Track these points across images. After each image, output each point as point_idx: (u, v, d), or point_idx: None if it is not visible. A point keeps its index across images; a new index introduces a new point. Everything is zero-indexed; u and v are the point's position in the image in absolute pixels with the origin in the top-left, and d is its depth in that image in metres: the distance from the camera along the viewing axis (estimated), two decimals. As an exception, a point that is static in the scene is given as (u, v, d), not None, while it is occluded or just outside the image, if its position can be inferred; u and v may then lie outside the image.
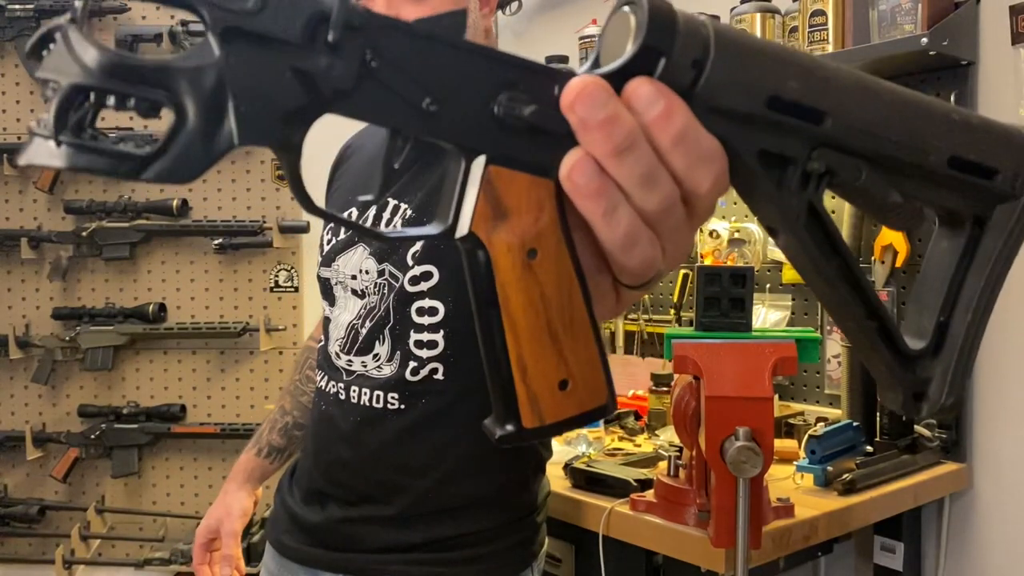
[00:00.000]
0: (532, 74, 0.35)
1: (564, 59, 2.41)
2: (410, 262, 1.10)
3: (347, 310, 1.17)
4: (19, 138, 3.03)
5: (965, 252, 0.42)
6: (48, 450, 3.05)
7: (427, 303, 1.10)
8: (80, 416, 3.03)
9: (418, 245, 1.11)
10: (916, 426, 1.72)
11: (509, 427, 0.39)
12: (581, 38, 2.28)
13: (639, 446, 1.84)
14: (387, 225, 1.14)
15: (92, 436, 2.99)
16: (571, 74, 0.35)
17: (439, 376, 1.11)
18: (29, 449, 2.99)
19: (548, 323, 0.37)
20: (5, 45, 3.01)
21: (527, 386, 0.38)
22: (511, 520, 1.16)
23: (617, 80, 0.35)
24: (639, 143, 0.34)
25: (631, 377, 2.24)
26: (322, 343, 1.23)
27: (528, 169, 0.36)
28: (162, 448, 3.05)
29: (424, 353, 1.11)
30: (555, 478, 1.57)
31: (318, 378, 1.22)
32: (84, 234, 2.97)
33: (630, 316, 2.30)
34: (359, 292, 1.15)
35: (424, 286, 1.10)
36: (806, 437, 1.58)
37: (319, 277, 1.23)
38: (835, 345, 1.90)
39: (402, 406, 1.12)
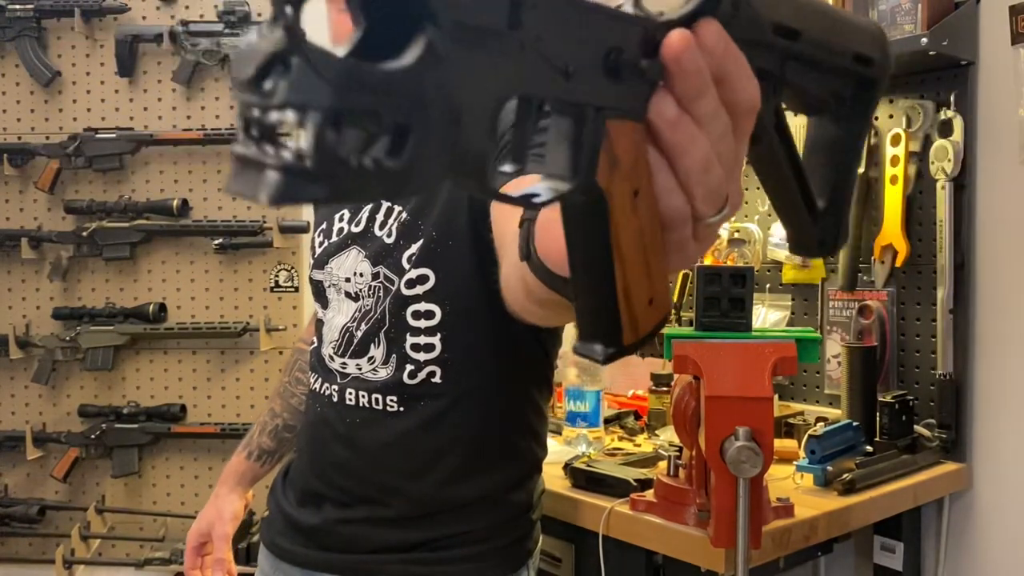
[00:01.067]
0: (633, 25, 0.38)
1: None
2: (406, 265, 1.10)
3: (341, 313, 1.16)
4: (19, 138, 3.03)
5: (844, 129, 0.53)
6: (48, 450, 3.05)
7: (423, 307, 1.10)
8: (80, 416, 3.03)
9: (415, 248, 1.10)
10: (916, 426, 1.72)
11: (612, 348, 0.43)
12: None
13: (639, 446, 1.84)
14: (381, 228, 1.14)
15: (92, 436, 2.99)
16: (663, 24, 0.39)
17: (436, 379, 1.11)
18: (29, 449, 2.99)
19: (645, 252, 0.42)
20: (5, 45, 3.01)
21: (629, 309, 0.42)
22: (507, 519, 1.16)
23: (688, 22, 0.39)
24: (710, 81, 0.39)
25: (631, 377, 2.24)
26: (315, 345, 1.23)
27: (630, 116, 0.39)
28: (162, 448, 3.05)
29: (421, 356, 1.11)
30: (555, 478, 1.57)
31: (311, 380, 1.22)
32: (84, 234, 2.97)
33: (630, 316, 2.30)
34: (353, 295, 1.15)
35: (420, 289, 1.10)
36: (806, 437, 1.58)
37: (311, 280, 1.23)
38: (835, 345, 1.90)
39: (401, 408, 1.12)
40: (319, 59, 0.27)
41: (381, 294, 1.12)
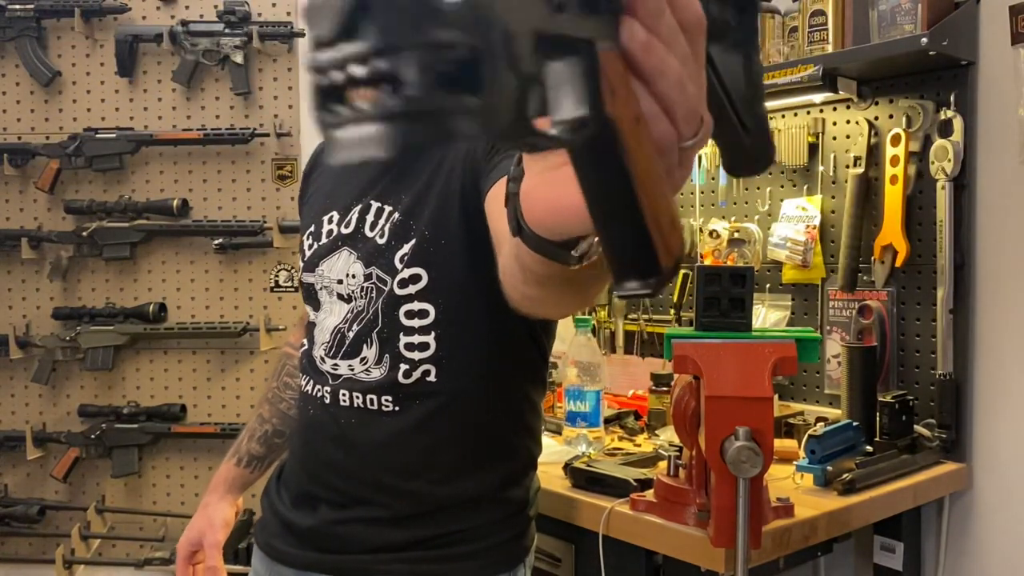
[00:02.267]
0: None
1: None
2: (398, 265, 1.10)
3: (333, 314, 1.16)
4: (19, 138, 3.03)
5: (743, 53, 0.55)
6: (48, 450, 3.05)
7: (417, 306, 1.10)
8: (80, 416, 3.03)
9: (407, 248, 1.10)
10: (916, 426, 1.73)
11: (653, 277, 0.44)
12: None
13: (639, 446, 1.84)
14: (372, 229, 1.14)
15: (92, 436, 2.99)
16: None
17: (431, 378, 1.11)
18: (29, 449, 2.99)
19: (659, 175, 0.43)
20: (5, 45, 3.01)
21: (660, 233, 0.43)
22: (504, 516, 1.16)
23: None
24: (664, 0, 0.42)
25: (631, 377, 2.24)
26: (305, 347, 1.23)
27: (611, 47, 0.40)
28: (162, 448, 3.05)
29: (416, 356, 1.11)
30: (555, 478, 1.57)
31: (303, 382, 1.22)
32: (84, 234, 2.97)
33: (630, 316, 2.30)
34: (345, 296, 1.15)
35: (413, 289, 1.10)
36: (806, 437, 1.58)
37: (302, 282, 1.22)
38: (835, 345, 1.90)
39: (396, 408, 1.12)
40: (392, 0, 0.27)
41: (374, 295, 1.12)
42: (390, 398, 1.12)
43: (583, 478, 1.53)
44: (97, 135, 2.97)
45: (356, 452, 1.13)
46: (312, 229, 1.22)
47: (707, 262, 2.05)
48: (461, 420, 1.12)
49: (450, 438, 1.12)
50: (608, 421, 1.92)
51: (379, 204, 1.14)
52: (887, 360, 1.81)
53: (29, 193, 3.07)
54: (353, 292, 1.14)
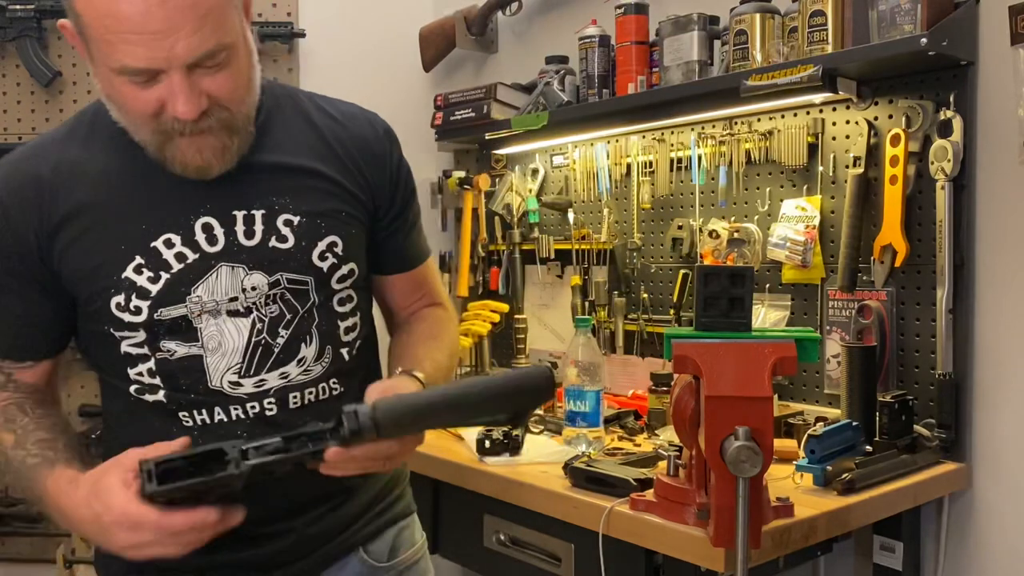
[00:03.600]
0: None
1: (564, 59, 2.42)
2: (318, 262, 1.14)
3: (230, 334, 1.11)
4: (20, 138, 3.03)
5: None
6: (49, 450, 3.05)
7: (347, 293, 1.20)
8: (81, 416, 3.03)
9: (323, 244, 1.15)
10: (916, 426, 1.73)
11: None
12: (581, 38, 2.28)
13: (639, 446, 1.84)
14: (257, 238, 1.11)
15: (93, 436, 2.99)
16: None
17: (365, 351, 1.24)
18: (30, 449, 2.98)
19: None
20: (6, 45, 3.01)
21: None
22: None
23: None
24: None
25: (631, 377, 2.24)
26: (183, 384, 1.11)
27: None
28: (162, 448, 3.05)
29: (351, 337, 1.20)
30: (555, 477, 1.58)
31: (195, 420, 1.11)
32: (84, 234, 2.96)
33: (630, 316, 2.30)
34: (243, 311, 1.11)
35: (348, 281, 1.19)
36: (805, 437, 1.58)
37: (157, 321, 1.08)
38: (834, 345, 1.90)
39: (342, 388, 1.18)
40: None
41: (291, 297, 1.13)
42: (336, 380, 1.18)
43: (583, 478, 1.53)
44: (97, 135, 2.97)
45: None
46: (140, 261, 1.07)
47: (707, 262, 2.05)
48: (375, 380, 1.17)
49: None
50: (608, 421, 1.92)
51: (244, 212, 1.10)
52: (887, 360, 1.81)
53: (29, 193, 3.06)
54: (256, 303, 1.11)
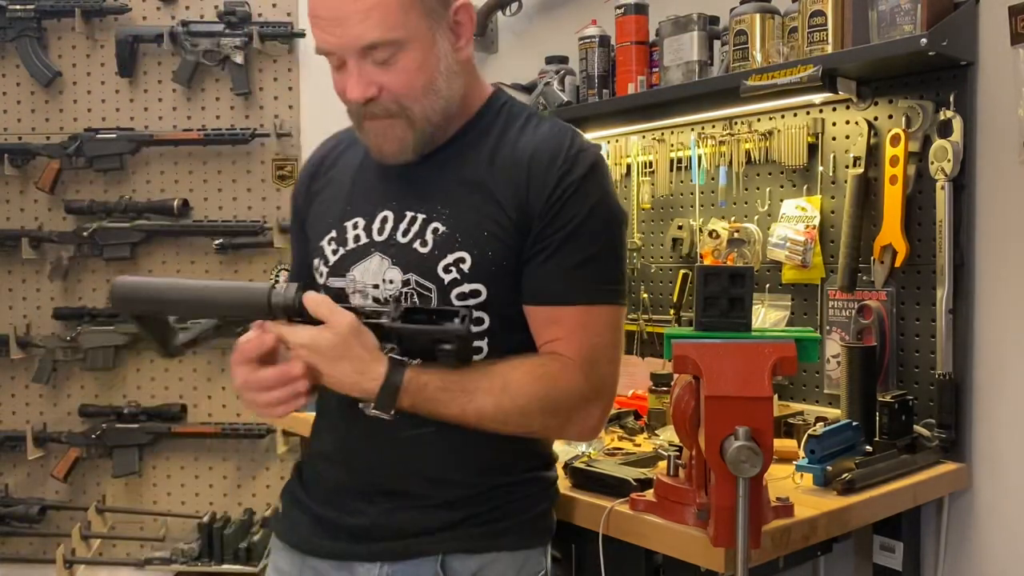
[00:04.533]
0: None
1: (564, 59, 2.42)
2: (443, 275, 1.15)
3: None
4: (20, 138, 3.03)
5: None
6: (49, 450, 3.06)
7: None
8: (81, 416, 3.04)
9: (450, 258, 1.15)
10: (915, 426, 1.73)
11: None
12: (581, 38, 2.28)
13: (639, 446, 1.84)
14: (404, 236, 1.18)
15: (93, 436, 2.99)
16: None
17: (482, 356, 1.17)
18: (30, 449, 2.99)
19: None
20: (6, 45, 3.01)
21: None
22: (540, 491, 1.27)
23: None
24: None
25: (631, 377, 2.24)
26: None
27: None
28: (163, 448, 3.05)
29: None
30: (555, 478, 1.57)
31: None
32: (85, 234, 2.97)
33: (630, 316, 2.31)
34: (382, 300, 1.17)
35: (472, 301, 1.16)
36: (805, 437, 1.58)
37: (327, 287, 1.20)
38: (835, 345, 1.90)
39: None
40: None
41: (418, 301, 1.17)
42: None
43: (583, 478, 1.53)
44: (97, 135, 2.97)
45: (401, 447, 1.17)
46: (333, 234, 1.24)
47: (707, 262, 2.05)
48: None
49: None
50: (608, 421, 1.92)
51: (412, 213, 1.19)
52: (887, 360, 1.81)
53: (30, 193, 3.07)
54: (391, 296, 1.18)
